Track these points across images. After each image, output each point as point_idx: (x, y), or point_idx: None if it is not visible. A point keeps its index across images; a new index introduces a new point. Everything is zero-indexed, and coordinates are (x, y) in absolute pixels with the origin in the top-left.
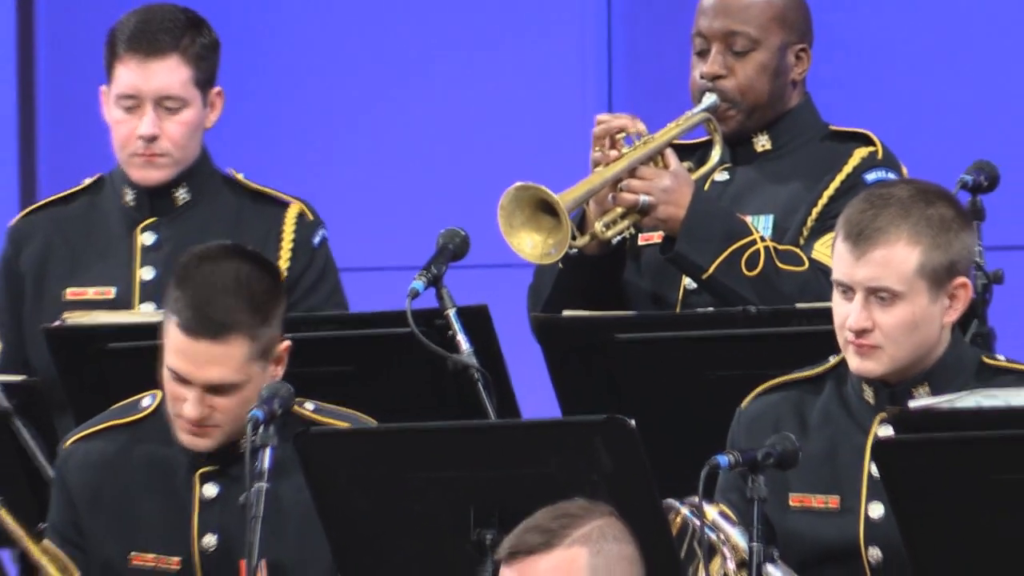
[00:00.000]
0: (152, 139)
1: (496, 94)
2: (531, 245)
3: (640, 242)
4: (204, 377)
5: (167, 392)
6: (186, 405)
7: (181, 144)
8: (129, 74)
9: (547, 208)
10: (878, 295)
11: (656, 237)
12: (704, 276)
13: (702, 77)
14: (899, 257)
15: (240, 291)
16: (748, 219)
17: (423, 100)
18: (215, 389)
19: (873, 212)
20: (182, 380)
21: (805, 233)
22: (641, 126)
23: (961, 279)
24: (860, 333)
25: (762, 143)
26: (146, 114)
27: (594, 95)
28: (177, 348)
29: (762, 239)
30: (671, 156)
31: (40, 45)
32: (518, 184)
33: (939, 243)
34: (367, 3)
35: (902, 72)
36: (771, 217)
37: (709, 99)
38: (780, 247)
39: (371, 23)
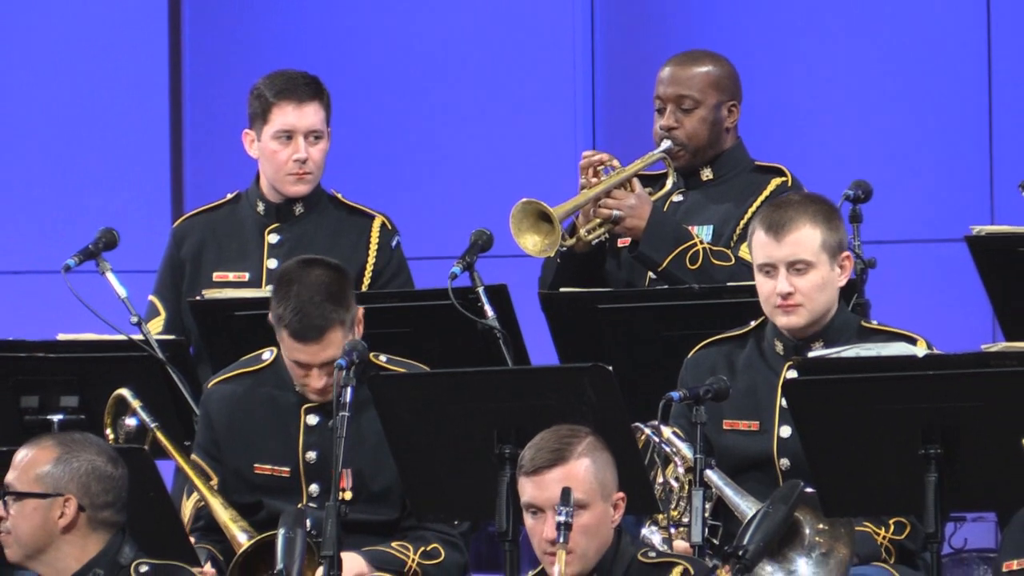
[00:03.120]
0: (304, 162)
1: (512, 137)
2: (533, 244)
3: (619, 245)
4: (319, 360)
5: (293, 373)
6: (312, 380)
7: (320, 165)
8: (286, 116)
9: (545, 217)
10: (796, 267)
11: (628, 242)
12: (659, 268)
13: (661, 128)
14: (808, 237)
15: (324, 296)
16: (693, 229)
17: (469, 143)
18: (327, 364)
19: (781, 210)
20: (304, 365)
21: (735, 238)
22: (615, 161)
23: (846, 253)
24: (786, 296)
25: (706, 174)
26: (299, 144)
27: (582, 136)
28: (293, 348)
29: (701, 242)
30: (636, 183)
31: (186, 101)
32: (524, 199)
33: (830, 227)
34: (413, 76)
35: (806, 117)
36: (711, 227)
37: (665, 143)
38: (714, 248)
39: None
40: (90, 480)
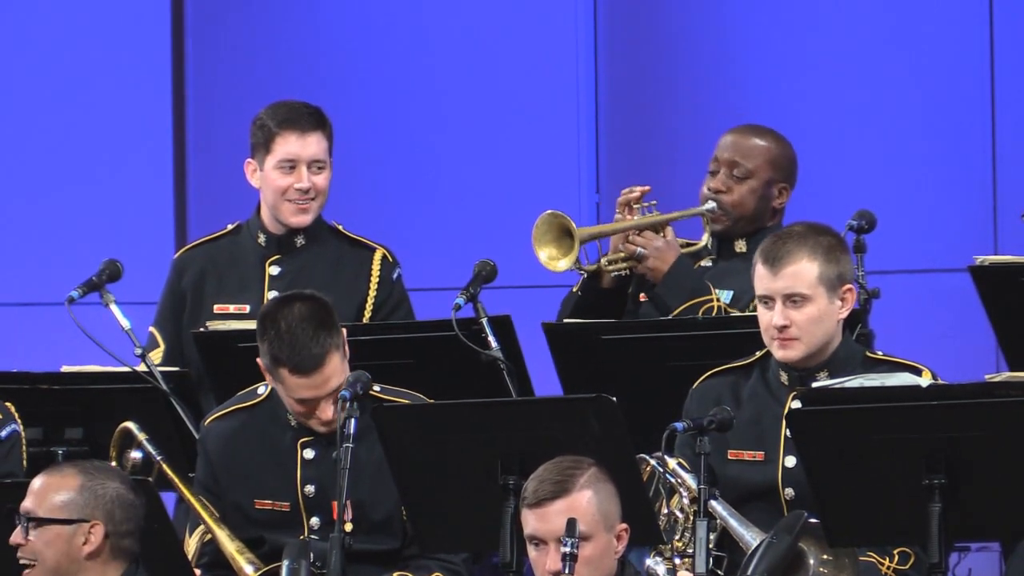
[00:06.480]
0: (307, 191)
1: (515, 168)
2: (548, 255)
3: (640, 299)
4: (324, 392)
5: (296, 412)
6: (322, 412)
7: (324, 194)
8: (289, 145)
9: (567, 234)
10: (792, 299)
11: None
12: (671, 315)
13: (709, 189)
14: (804, 270)
15: (314, 325)
16: (715, 290)
17: (471, 174)
18: (332, 393)
19: (780, 242)
20: (309, 401)
21: (752, 306)
22: (653, 202)
23: (847, 286)
24: (782, 329)
25: (740, 246)
26: (302, 173)
27: (585, 168)
28: (297, 385)
29: (718, 300)
30: (670, 230)
31: (189, 133)
32: (552, 211)
33: (829, 259)
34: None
35: (810, 147)
36: (731, 292)
37: (710, 204)
38: (730, 309)
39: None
40: (115, 507)
